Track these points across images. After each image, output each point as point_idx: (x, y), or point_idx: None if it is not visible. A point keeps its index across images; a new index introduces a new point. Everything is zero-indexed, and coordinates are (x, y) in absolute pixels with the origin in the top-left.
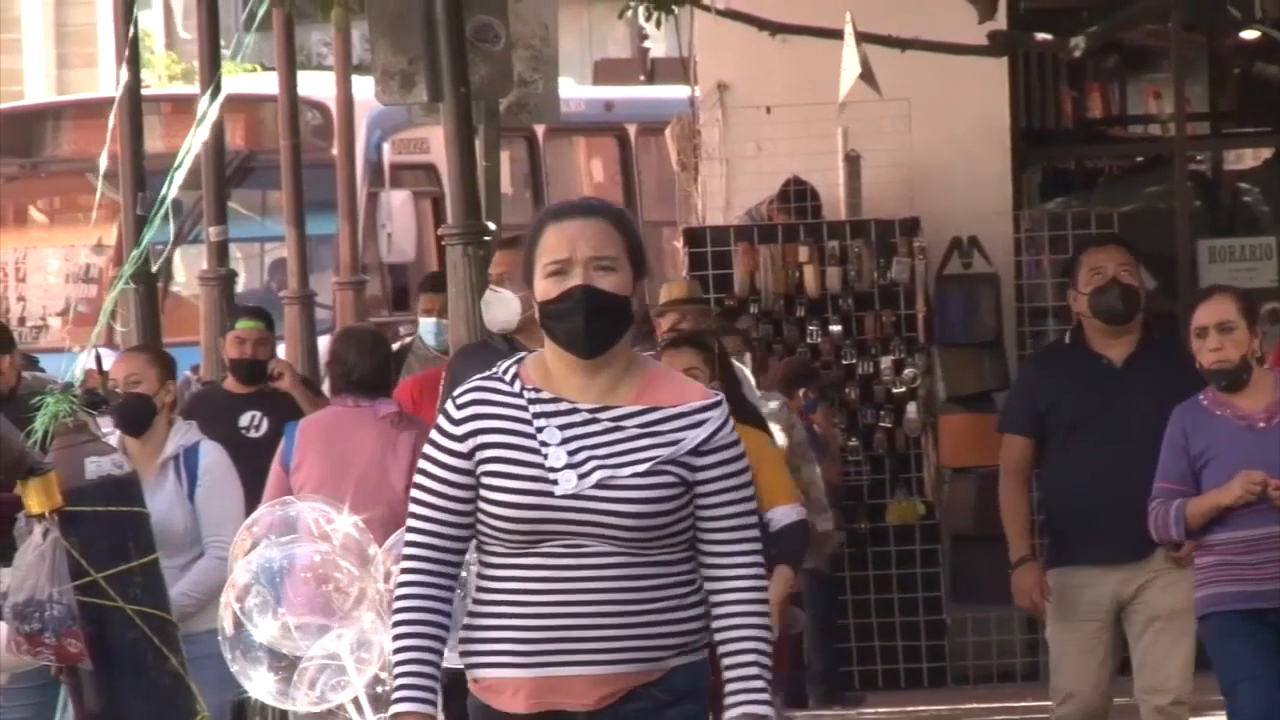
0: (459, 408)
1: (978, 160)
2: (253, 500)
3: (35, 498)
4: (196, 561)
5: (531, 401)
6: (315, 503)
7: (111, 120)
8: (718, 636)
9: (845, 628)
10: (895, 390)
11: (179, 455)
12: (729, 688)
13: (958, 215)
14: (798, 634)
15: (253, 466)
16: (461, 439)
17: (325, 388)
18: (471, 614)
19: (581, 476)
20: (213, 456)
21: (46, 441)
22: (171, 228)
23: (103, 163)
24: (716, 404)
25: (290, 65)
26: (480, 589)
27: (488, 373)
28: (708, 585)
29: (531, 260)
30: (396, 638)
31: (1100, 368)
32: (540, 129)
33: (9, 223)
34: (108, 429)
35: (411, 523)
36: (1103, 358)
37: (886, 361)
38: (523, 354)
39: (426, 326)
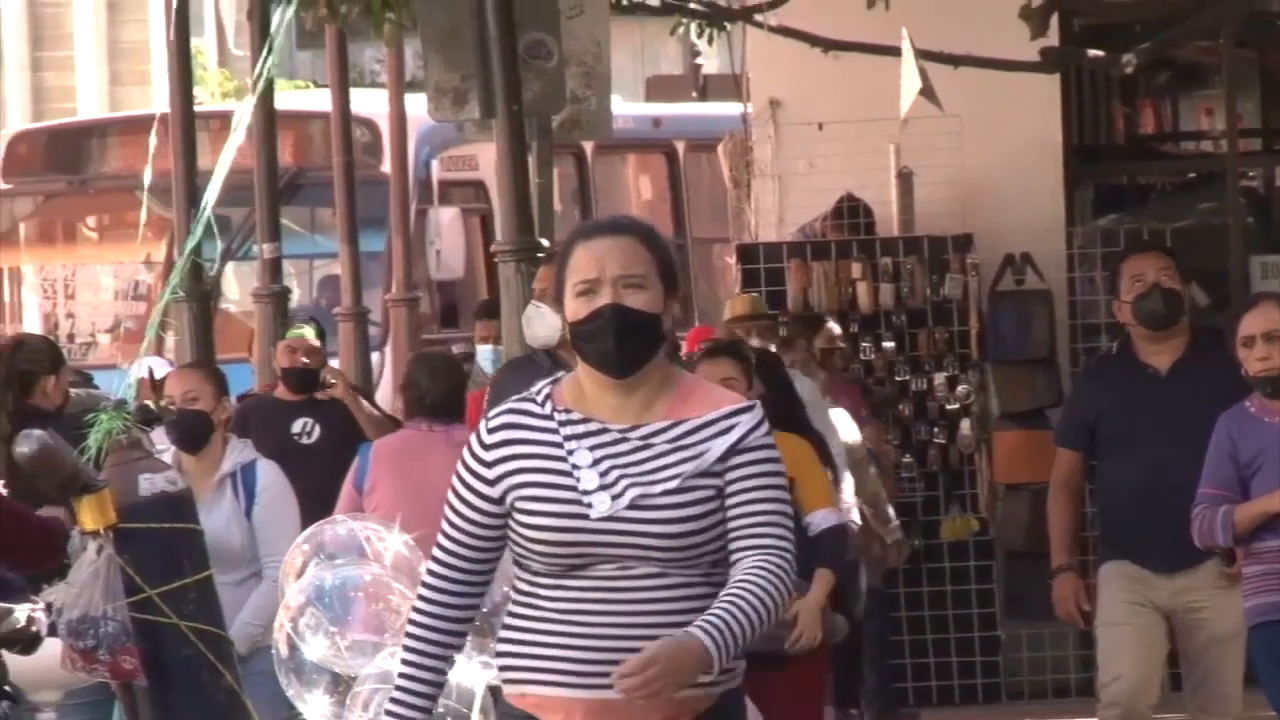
0: (490, 432)
1: (1030, 176)
2: (304, 506)
3: (89, 515)
4: (252, 579)
5: (563, 424)
6: (366, 521)
7: (153, 137)
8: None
9: (900, 644)
10: (949, 407)
11: (236, 472)
12: None
13: (1010, 231)
14: (842, 641)
15: (305, 473)
16: (489, 465)
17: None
18: (515, 629)
19: (615, 498)
20: (270, 475)
21: (100, 458)
22: (219, 243)
23: (147, 178)
24: (748, 409)
25: (344, 82)
26: (525, 605)
27: (521, 395)
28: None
29: (562, 280)
30: (405, 649)
31: (1146, 376)
32: (589, 146)
33: (58, 239)
34: (161, 445)
35: (439, 541)
36: (1148, 367)
37: (940, 378)
38: (559, 375)
39: (484, 354)
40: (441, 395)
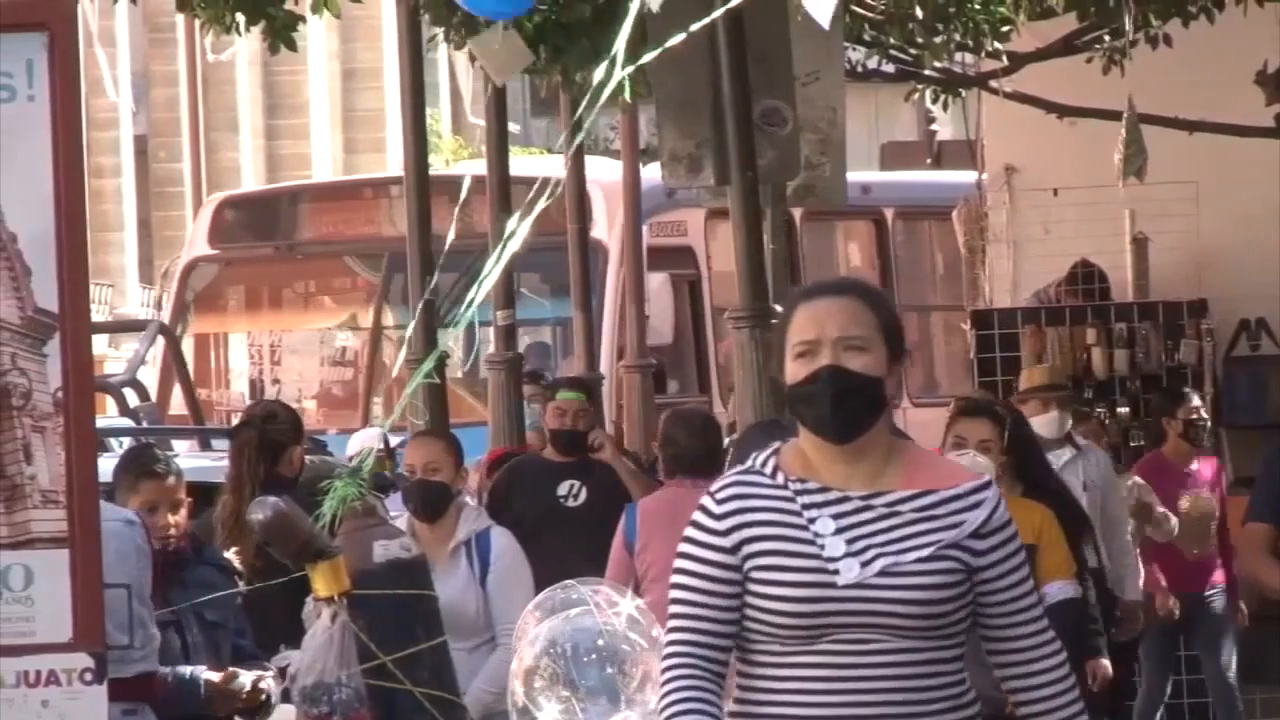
0: (719, 503)
1: (1265, 242)
2: (570, 568)
3: (323, 581)
4: (485, 646)
5: (798, 493)
6: (598, 585)
7: (403, 199)
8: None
9: (1131, 708)
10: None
11: (471, 540)
12: None
13: (1245, 297)
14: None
15: (569, 535)
16: (725, 534)
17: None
18: (746, 703)
19: (864, 565)
20: (504, 542)
21: (334, 525)
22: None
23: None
24: (989, 484)
25: (577, 149)
26: (751, 687)
27: (743, 466)
28: (1007, 673)
29: (783, 342)
30: None
31: None
32: (797, 212)
33: (263, 305)
34: (395, 511)
35: (674, 623)
36: None
37: None
38: (778, 444)
39: None
40: (700, 453)
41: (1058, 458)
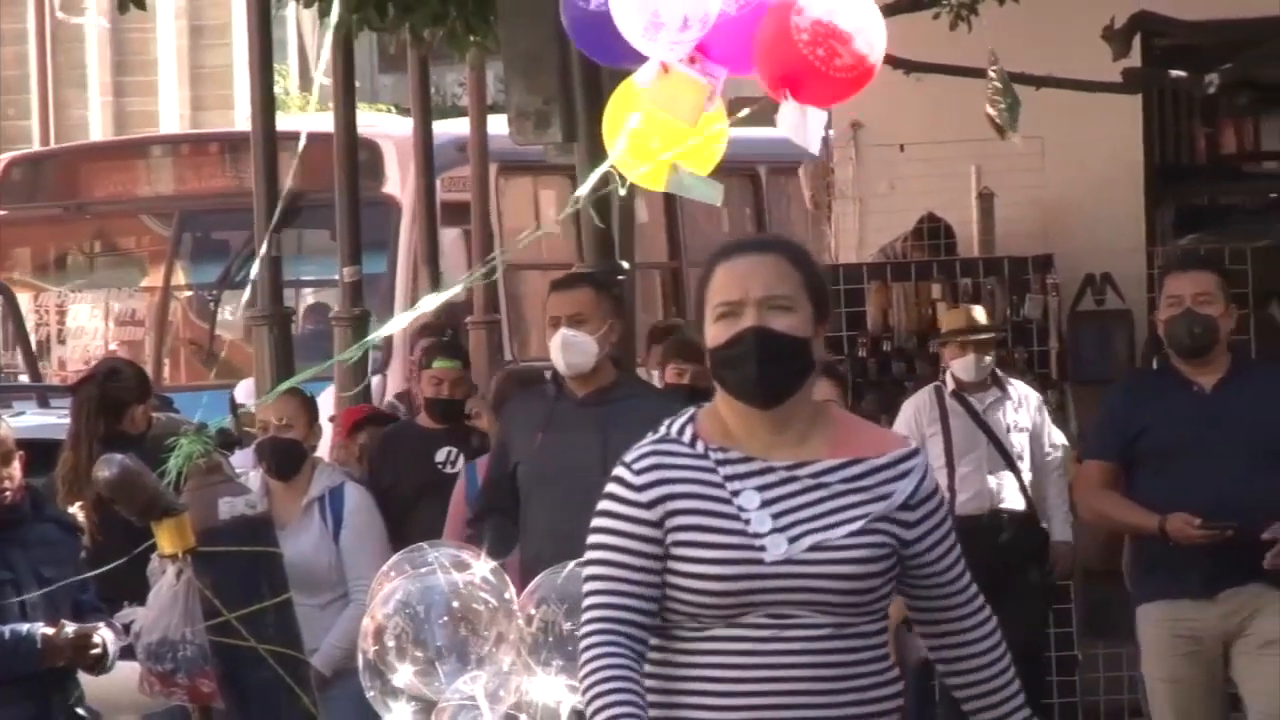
0: (638, 473)
1: (1111, 197)
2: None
3: (168, 538)
4: (337, 602)
5: (720, 463)
6: (450, 549)
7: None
8: (971, 693)
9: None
10: None
11: (324, 496)
12: None
13: (1091, 252)
14: (918, 661)
15: (449, 502)
16: (649, 506)
17: None
18: (656, 689)
19: (791, 541)
20: (358, 498)
21: (180, 482)
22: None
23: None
24: (915, 452)
25: (425, 106)
26: (665, 663)
27: (659, 435)
28: (940, 649)
29: (702, 303)
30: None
31: (1190, 394)
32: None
33: (50, 266)
34: (241, 468)
35: (596, 599)
36: (1193, 384)
37: None
38: (692, 410)
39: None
40: None
41: (981, 400)
